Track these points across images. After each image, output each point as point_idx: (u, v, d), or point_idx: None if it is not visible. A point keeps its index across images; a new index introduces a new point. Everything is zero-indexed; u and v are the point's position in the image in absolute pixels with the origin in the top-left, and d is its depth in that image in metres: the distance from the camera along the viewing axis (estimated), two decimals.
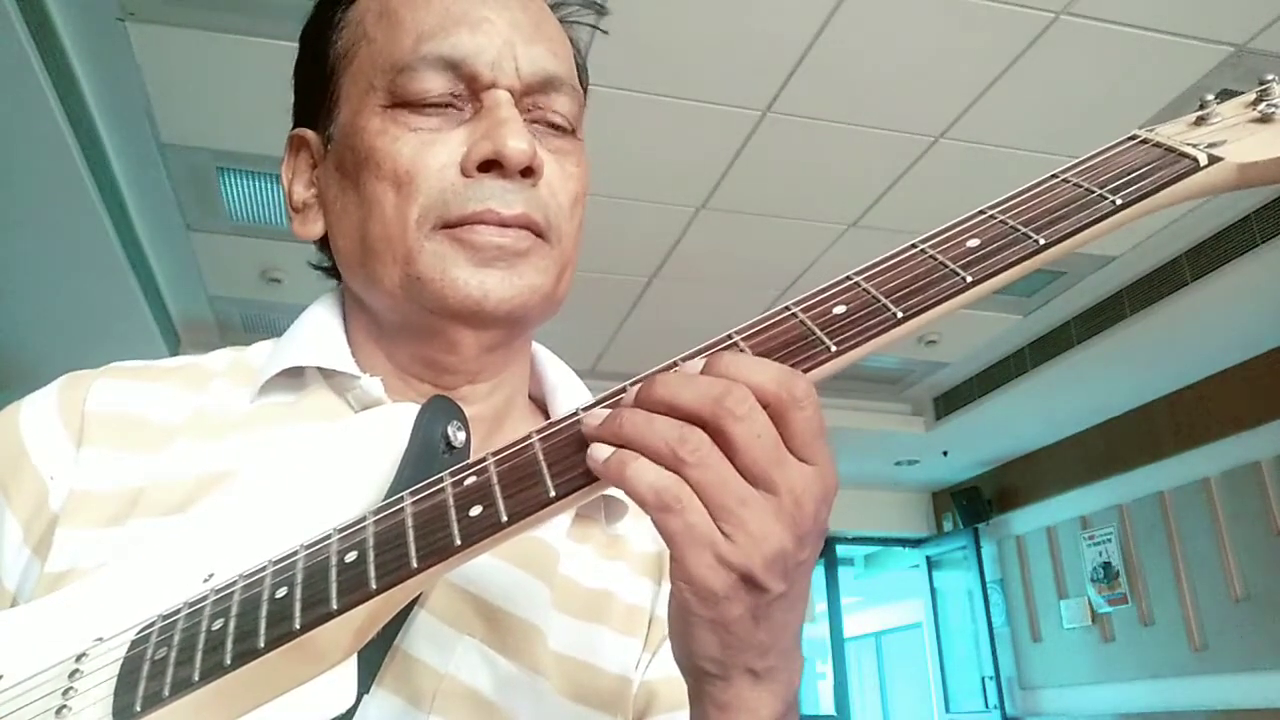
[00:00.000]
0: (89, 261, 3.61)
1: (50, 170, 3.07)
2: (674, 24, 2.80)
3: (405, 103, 0.62)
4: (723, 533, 0.43)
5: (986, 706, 6.47)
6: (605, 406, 0.48)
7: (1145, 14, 2.81)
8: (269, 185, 3.58)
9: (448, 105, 0.62)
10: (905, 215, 3.81)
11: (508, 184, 0.61)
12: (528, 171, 0.61)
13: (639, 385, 0.46)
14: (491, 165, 0.60)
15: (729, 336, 0.50)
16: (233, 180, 3.54)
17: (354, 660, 0.47)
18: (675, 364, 0.48)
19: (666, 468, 0.44)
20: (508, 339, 0.66)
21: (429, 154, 0.61)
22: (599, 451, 0.45)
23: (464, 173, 0.61)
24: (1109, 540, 5.66)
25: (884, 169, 3.56)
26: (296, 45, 0.71)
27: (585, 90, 0.73)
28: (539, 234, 0.62)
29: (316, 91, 0.68)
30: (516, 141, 0.60)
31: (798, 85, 3.08)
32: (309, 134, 0.69)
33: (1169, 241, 4.12)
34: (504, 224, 0.61)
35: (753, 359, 0.46)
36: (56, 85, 2.77)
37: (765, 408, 0.44)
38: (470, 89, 0.62)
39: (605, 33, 0.75)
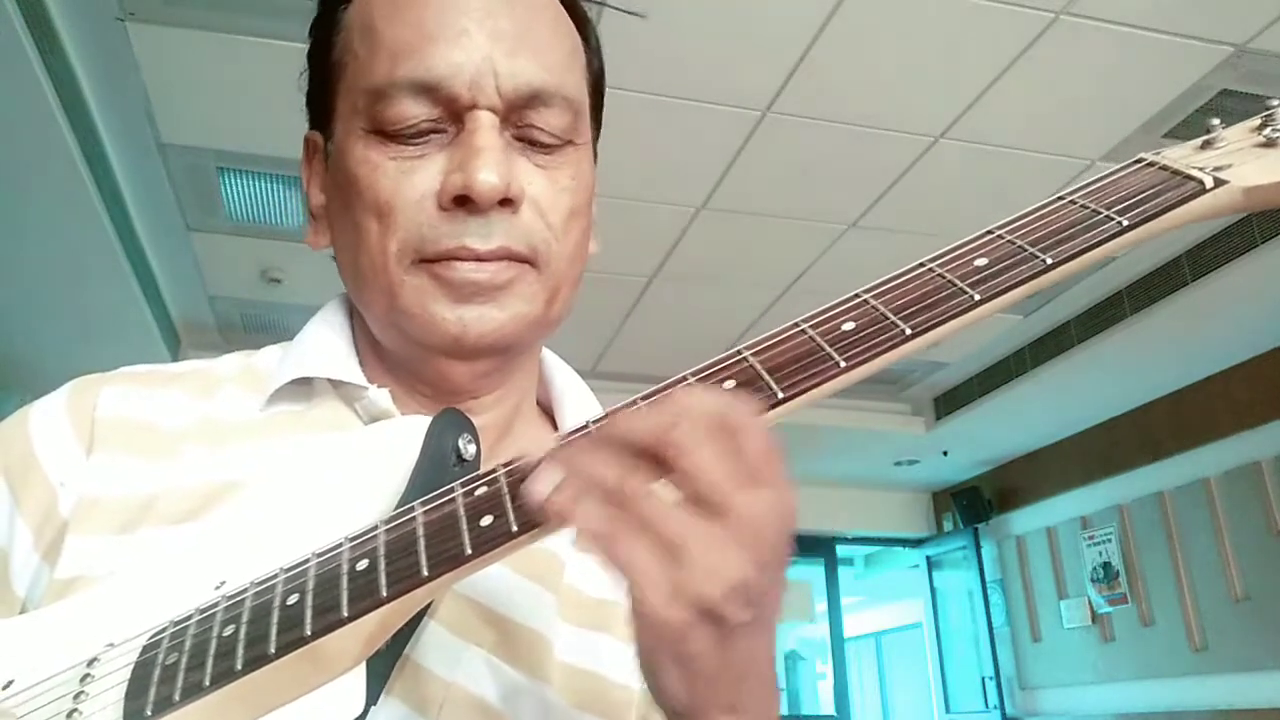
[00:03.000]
0: (89, 262, 3.62)
1: (50, 170, 3.07)
2: (674, 24, 2.80)
3: (384, 131, 0.60)
4: (678, 566, 0.42)
5: (986, 706, 6.47)
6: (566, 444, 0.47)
7: (1145, 14, 2.81)
8: (269, 185, 3.58)
9: (430, 131, 0.60)
10: (905, 215, 3.80)
11: (484, 217, 0.59)
12: (506, 201, 0.59)
13: (597, 424, 0.46)
14: (466, 199, 0.58)
15: (738, 352, 0.50)
16: (233, 180, 3.54)
17: (363, 668, 0.47)
18: (635, 402, 0.48)
19: (613, 506, 0.43)
20: (502, 364, 0.65)
21: (407, 185, 0.59)
22: (545, 483, 0.44)
23: (440, 205, 0.59)
24: (1109, 540, 5.67)
25: (884, 169, 3.56)
26: (296, 45, 0.70)
27: (599, 82, 0.70)
28: (524, 261, 0.61)
29: (320, 95, 0.67)
30: (487, 175, 0.57)
31: (798, 85, 3.08)
32: (319, 139, 0.68)
33: (1169, 242, 4.12)
34: (480, 259, 0.59)
35: (700, 390, 0.45)
36: (56, 85, 2.77)
37: (716, 437, 0.44)
38: (450, 111, 0.60)
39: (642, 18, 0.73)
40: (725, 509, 0.42)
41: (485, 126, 0.59)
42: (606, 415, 0.49)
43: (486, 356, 0.62)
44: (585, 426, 0.49)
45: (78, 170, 3.08)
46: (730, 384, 0.48)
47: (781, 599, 0.46)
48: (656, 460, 0.43)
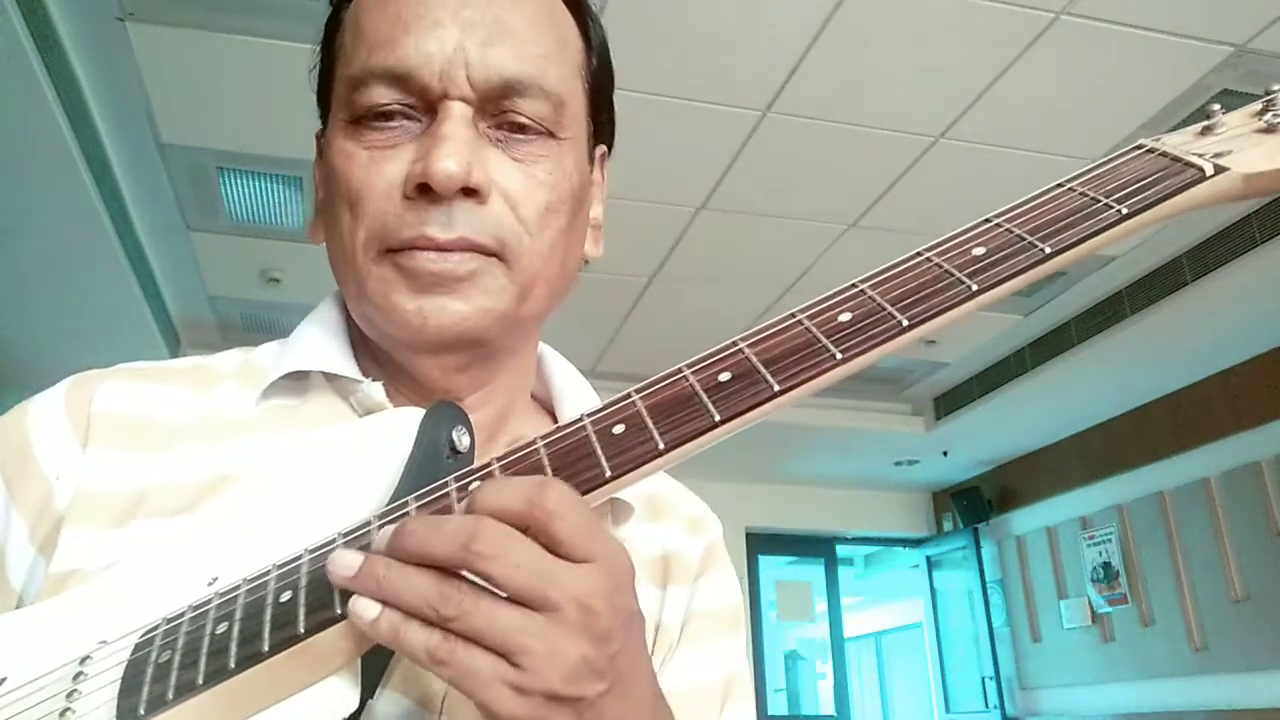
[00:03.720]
0: (89, 261, 3.62)
1: (50, 170, 3.06)
2: (674, 24, 2.80)
3: (359, 120, 0.60)
4: (512, 663, 0.42)
5: (986, 706, 6.47)
6: (354, 540, 0.47)
7: (1145, 14, 2.81)
8: (269, 185, 3.58)
9: (403, 120, 0.60)
10: (905, 215, 3.80)
11: (447, 206, 0.58)
12: (470, 191, 0.58)
13: (393, 533, 0.44)
14: (428, 188, 0.57)
15: (734, 344, 0.50)
16: (233, 180, 3.54)
17: (357, 665, 0.47)
18: (446, 490, 0.47)
19: (433, 624, 0.42)
20: (476, 360, 0.64)
21: (377, 174, 0.59)
22: (366, 610, 0.43)
23: (405, 195, 0.58)
24: (1109, 540, 5.66)
25: (884, 169, 3.56)
26: (296, 45, 0.70)
27: (601, 81, 0.69)
28: (491, 254, 0.59)
29: (321, 91, 0.68)
30: (445, 163, 0.56)
31: (798, 85, 3.08)
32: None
33: (1169, 241, 4.12)
34: (440, 249, 0.58)
35: (498, 485, 0.44)
36: (56, 85, 2.77)
37: (526, 529, 0.43)
38: (424, 101, 0.59)
39: None
40: (546, 602, 0.42)
41: (454, 116, 0.59)
42: (552, 432, 0.49)
43: (452, 350, 0.62)
44: (580, 420, 0.49)
45: (78, 170, 3.08)
46: (726, 375, 0.48)
47: (638, 651, 0.46)
48: (460, 570, 0.43)
